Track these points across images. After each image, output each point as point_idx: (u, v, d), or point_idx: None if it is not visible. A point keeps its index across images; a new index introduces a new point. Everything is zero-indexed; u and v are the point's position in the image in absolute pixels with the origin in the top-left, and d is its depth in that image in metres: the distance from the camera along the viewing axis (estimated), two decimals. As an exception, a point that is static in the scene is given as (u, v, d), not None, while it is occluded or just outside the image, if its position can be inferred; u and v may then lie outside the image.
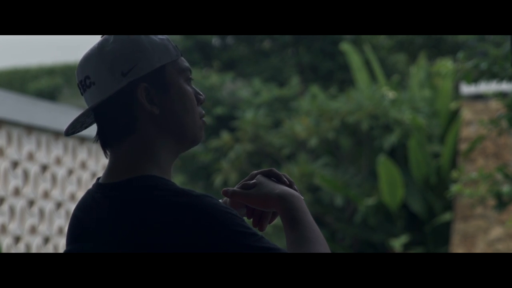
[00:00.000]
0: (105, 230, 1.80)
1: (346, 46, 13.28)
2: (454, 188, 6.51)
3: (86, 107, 1.89)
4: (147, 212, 1.75)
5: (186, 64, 1.91)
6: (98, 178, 1.89)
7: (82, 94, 1.89)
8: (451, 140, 11.45)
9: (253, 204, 1.90)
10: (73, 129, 1.91)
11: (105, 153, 1.89)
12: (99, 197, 1.83)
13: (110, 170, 1.86)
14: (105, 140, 1.87)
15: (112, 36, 1.86)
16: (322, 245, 1.79)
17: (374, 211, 11.83)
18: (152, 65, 1.84)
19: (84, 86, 1.86)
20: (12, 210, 7.57)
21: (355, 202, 11.95)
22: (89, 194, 1.88)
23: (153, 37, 1.87)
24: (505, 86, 7.23)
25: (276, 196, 1.86)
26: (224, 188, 1.91)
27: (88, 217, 1.84)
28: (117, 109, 1.84)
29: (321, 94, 12.96)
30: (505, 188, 6.02)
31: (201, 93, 1.92)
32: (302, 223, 1.82)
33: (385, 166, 11.22)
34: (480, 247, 10.35)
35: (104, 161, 8.64)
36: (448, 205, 11.49)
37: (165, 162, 1.86)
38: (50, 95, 19.38)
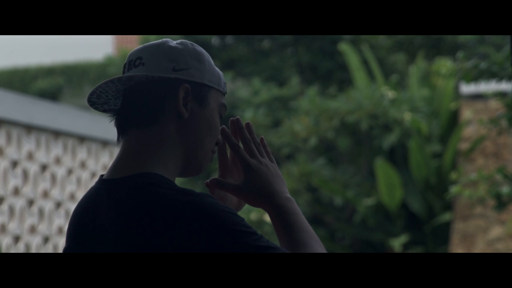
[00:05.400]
0: (106, 227, 1.80)
1: (345, 46, 13.27)
2: (454, 189, 6.50)
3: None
4: (148, 210, 1.75)
5: (225, 102, 1.94)
6: (102, 175, 1.89)
7: (123, 73, 1.88)
8: (451, 140, 11.44)
9: (241, 199, 1.92)
10: (97, 99, 1.89)
11: (118, 138, 1.89)
12: (102, 194, 1.84)
13: (117, 163, 1.86)
14: (124, 122, 1.87)
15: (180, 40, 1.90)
16: (315, 246, 1.80)
17: (374, 211, 11.82)
18: (202, 79, 1.87)
19: (131, 65, 1.87)
20: (11, 210, 7.57)
21: (354, 202, 11.94)
22: (92, 191, 1.88)
23: (213, 63, 1.91)
24: (504, 86, 7.24)
25: (267, 201, 1.88)
26: (211, 178, 1.93)
27: (90, 214, 1.84)
28: (151, 93, 1.85)
29: (316, 99, 12.91)
30: (504, 189, 6.02)
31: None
32: (296, 225, 1.84)
33: (382, 169, 11.21)
34: (479, 247, 10.35)
35: (104, 160, 8.64)
36: (448, 205, 11.48)
37: (171, 168, 1.86)
38: (52, 95, 19.34)
